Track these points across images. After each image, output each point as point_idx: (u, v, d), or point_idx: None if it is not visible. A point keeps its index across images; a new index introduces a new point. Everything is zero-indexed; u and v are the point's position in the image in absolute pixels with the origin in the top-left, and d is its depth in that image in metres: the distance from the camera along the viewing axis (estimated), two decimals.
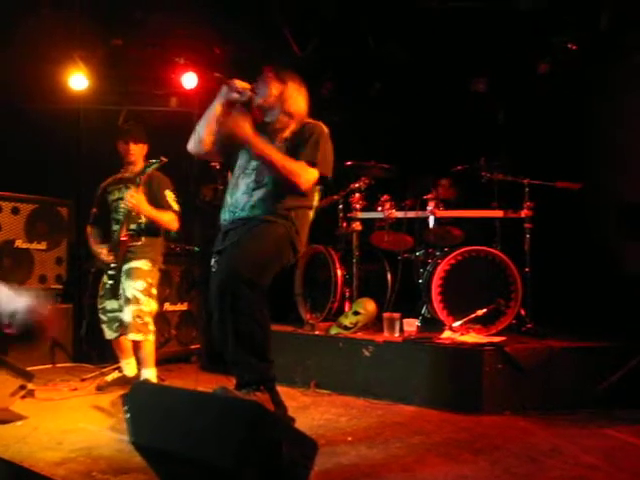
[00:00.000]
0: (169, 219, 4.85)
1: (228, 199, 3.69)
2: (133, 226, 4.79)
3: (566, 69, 5.95)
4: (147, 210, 4.72)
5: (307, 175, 3.51)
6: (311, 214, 3.73)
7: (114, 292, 4.76)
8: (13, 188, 5.97)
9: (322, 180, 3.61)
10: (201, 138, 3.72)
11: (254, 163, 3.62)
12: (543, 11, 5.67)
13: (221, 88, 3.69)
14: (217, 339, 3.46)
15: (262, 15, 6.29)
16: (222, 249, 3.59)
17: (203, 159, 3.95)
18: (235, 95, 3.65)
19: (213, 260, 3.66)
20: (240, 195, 3.61)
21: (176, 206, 4.90)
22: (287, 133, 3.65)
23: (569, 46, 5.82)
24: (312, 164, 3.51)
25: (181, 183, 4.67)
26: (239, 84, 3.63)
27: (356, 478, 2.96)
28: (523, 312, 5.15)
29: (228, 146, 3.75)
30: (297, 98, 3.73)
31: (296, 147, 3.56)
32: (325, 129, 3.67)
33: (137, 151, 4.97)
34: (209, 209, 6.62)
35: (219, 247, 3.63)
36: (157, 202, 4.81)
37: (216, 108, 3.70)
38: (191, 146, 3.79)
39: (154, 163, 4.61)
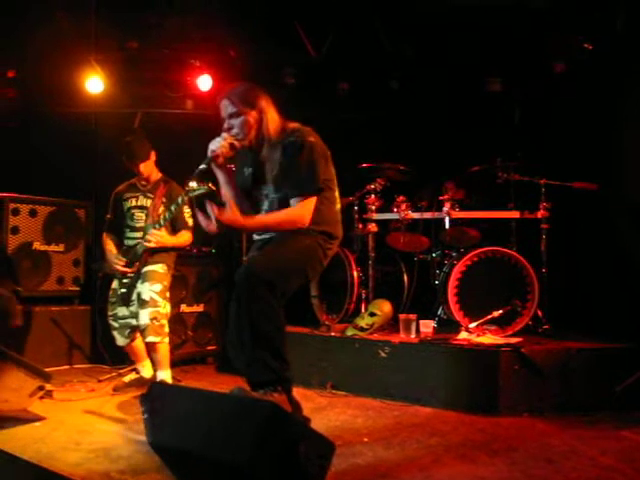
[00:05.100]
0: (185, 239, 4.95)
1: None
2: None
3: (583, 69, 5.92)
4: (169, 242, 4.81)
5: (304, 212, 3.40)
6: (338, 215, 3.66)
7: (126, 299, 4.79)
8: (31, 191, 6.02)
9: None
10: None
11: (267, 189, 3.59)
12: (559, 11, 5.64)
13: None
14: (230, 342, 3.49)
15: (276, 17, 6.31)
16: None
17: None
18: (225, 169, 3.58)
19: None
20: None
21: (191, 222, 4.94)
22: (273, 138, 3.50)
23: (585, 46, 5.79)
24: (308, 194, 3.41)
25: None
26: (221, 157, 3.48)
27: (373, 479, 2.96)
28: (540, 313, 5.13)
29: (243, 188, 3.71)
30: (272, 113, 3.56)
31: (287, 159, 3.44)
32: (311, 138, 3.49)
33: (148, 167, 4.99)
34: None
35: (250, 254, 3.71)
36: (175, 221, 4.87)
37: (225, 190, 3.65)
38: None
39: (198, 189, 4.43)
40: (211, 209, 3.34)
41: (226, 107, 3.52)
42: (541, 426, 3.97)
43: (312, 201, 3.43)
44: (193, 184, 4.15)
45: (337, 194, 3.69)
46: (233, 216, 3.38)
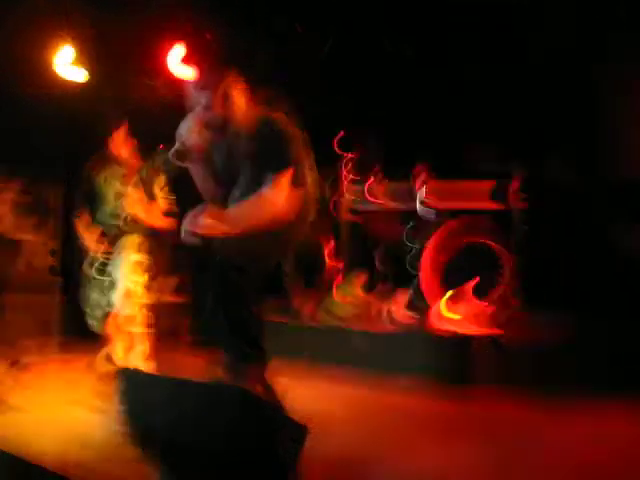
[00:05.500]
0: (162, 223, 4.86)
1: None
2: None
3: (564, 62, 5.93)
4: (148, 218, 4.74)
5: (279, 191, 3.20)
6: (313, 197, 3.55)
7: (103, 286, 4.75)
8: (3, 176, 5.96)
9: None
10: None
11: (241, 175, 3.47)
12: (542, 5, 5.64)
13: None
14: (204, 327, 3.46)
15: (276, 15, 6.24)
16: None
17: None
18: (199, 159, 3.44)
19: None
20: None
21: (163, 203, 4.90)
22: (245, 124, 3.40)
23: (568, 41, 5.80)
24: (282, 170, 3.22)
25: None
26: (196, 149, 3.34)
27: (347, 462, 2.98)
28: (517, 302, 5.15)
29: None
30: (243, 97, 3.40)
31: (262, 151, 3.33)
32: (284, 122, 3.35)
33: (125, 148, 4.92)
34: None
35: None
36: (148, 194, 4.83)
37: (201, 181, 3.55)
38: None
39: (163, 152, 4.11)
40: (188, 221, 3.27)
41: (194, 84, 3.44)
42: (519, 411, 3.96)
43: (286, 178, 3.23)
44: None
45: (312, 178, 3.64)
46: (209, 222, 3.16)
